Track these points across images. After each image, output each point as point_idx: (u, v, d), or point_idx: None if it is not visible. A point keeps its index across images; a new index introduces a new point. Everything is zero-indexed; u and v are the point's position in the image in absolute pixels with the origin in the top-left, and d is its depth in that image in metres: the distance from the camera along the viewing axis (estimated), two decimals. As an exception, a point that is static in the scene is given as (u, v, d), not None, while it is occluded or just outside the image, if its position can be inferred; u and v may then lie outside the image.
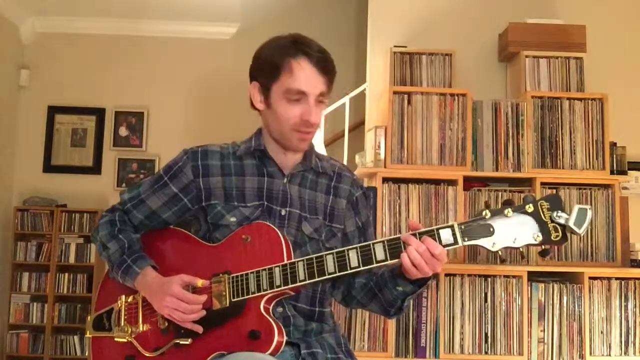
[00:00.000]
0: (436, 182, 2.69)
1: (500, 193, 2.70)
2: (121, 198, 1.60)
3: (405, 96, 2.74)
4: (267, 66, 1.45)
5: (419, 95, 2.74)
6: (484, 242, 1.28)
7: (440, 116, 2.72)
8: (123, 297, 1.51)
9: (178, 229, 1.56)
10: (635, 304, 2.57)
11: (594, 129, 2.75)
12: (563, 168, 2.73)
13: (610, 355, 2.55)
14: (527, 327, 2.53)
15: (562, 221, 1.23)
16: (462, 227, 1.29)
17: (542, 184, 2.70)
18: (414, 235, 1.32)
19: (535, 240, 1.25)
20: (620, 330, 2.56)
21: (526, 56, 2.88)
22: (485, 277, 2.56)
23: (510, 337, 2.54)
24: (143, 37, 5.31)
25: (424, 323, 2.53)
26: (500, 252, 1.28)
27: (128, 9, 5.05)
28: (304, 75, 1.42)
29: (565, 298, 2.56)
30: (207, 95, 5.28)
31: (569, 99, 2.77)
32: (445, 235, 1.30)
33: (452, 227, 1.30)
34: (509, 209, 1.27)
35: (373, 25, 3.21)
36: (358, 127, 4.46)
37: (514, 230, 1.26)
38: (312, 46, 1.45)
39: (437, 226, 1.32)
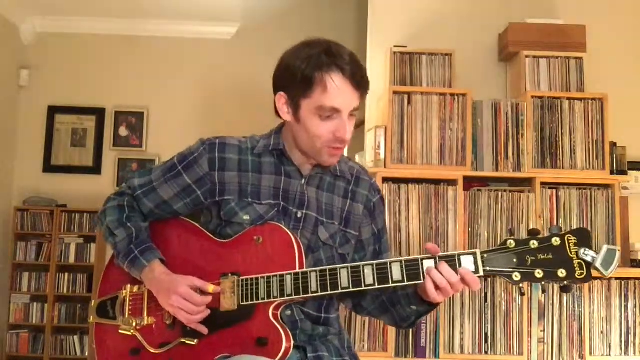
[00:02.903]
0: (436, 182, 2.69)
1: (500, 193, 2.70)
2: (130, 183, 1.54)
3: (405, 96, 2.74)
4: (298, 79, 1.36)
5: (419, 95, 2.74)
6: (507, 273, 1.24)
7: (440, 116, 2.72)
8: (129, 286, 1.49)
9: (188, 220, 1.52)
10: (635, 304, 2.57)
11: (594, 129, 2.75)
12: (563, 168, 2.73)
13: (610, 355, 2.55)
14: (527, 327, 2.53)
15: (589, 259, 1.20)
16: (485, 255, 1.26)
17: (542, 184, 2.70)
18: (434, 258, 1.28)
19: (560, 276, 1.21)
20: (620, 330, 2.57)
21: (526, 56, 2.88)
22: (486, 277, 2.56)
23: (510, 337, 2.54)
24: (143, 37, 5.31)
25: (424, 323, 2.53)
26: (521, 286, 1.25)
27: (128, 9, 5.05)
28: (338, 92, 1.35)
29: (565, 298, 2.56)
30: (207, 95, 5.28)
31: (569, 99, 2.77)
32: (467, 262, 1.27)
33: (474, 254, 1.27)
34: (535, 241, 1.24)
35: (373, 25, 3.21)
36: (358, 127, 4.45)
37: (538, 264, 1.23)
38: (345, 57, 1.36)
39: (459, 252, 1.28)
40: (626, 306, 2.57)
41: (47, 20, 5.28)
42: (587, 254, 1.20)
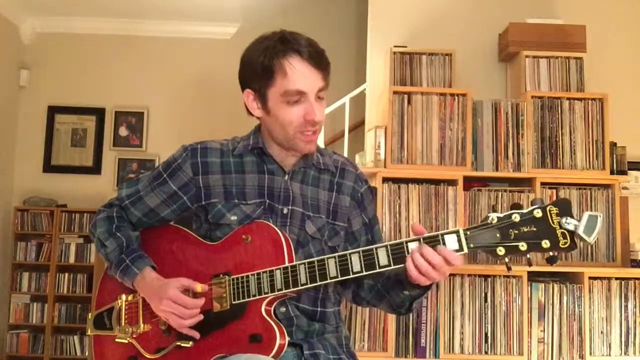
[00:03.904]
0: (436, 182, 2.69)
1: (500, 193, 2.70)
2: (119, 194, 1.56)
3: (405, 96, 2.74)
4: (259, 71, 1.40)
5: (419, 95, 2.74)
6: (491, 248, 1.25)
7: (440, 116, 2.72)
8: (124, 296, 1.50)
9: (178, 226, 1.53)
10: (635, 304, 2.57)
11: (594, 129, 2.75)
12: (563, 168, 2.73)
13: (610, 355, 2.55)
14: (527, 327, 2.53)
15: (571, 228, 1.20)
16: (468, 232, 1.26)
17: (542, 184, 2.70)
18: (418, 240, 1.28)
19: (544, 247, 1.22)
20: (620, 330, 2.56)
21: (526, 56, 2.88)
22: (485, 277, 2.56)
23: (510, 337, 2.54)
24: (143, 37, 5.32)
25: (424, 323, 2.53)
26: (507, 260, 1.25)
27: (128, 9, 5.05)
28: (299, 74, 1.37)
29: (565, 298, 2.56)
30: (207, 95, 5.28)
31: (569, 99, 2.77)
32: (450, 241, 1.27)
33: (457, 232, 1.27)
34: (516, 214, 1.24)
35: (373, 25, 3.21)
36: (358, 127, 4.47)
37: (522, 237, 1.23)
38: (301, 41, 1.39)
39: (442, 231, 1.28)
40: (626, 306, 2.57)
41: (47, 20, 5.28)
42: (569, 223, 1.21)
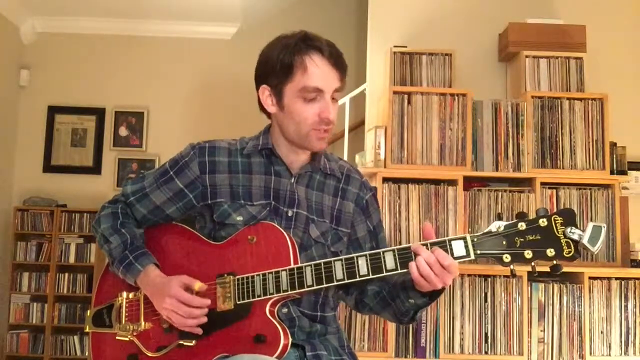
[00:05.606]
0: (436, 182, 2.69)
1: (500, 193, 2.70)
2: (123, 190, 1.56)
3: (405, 96, 2.74)
4: (278, 67, 1.41)
5: (419, 95, 2.74)
6: (497, 255, 1.27)
7: (440, 116, 2.72)
8: (124, 293, 1.49)
9: (182, 225, 1.53)
10: (635, 304, 2.57)
11: (594, 129, 2.75)
12: (563, 168, 2.73)
13: (610, 355, 2.55)
14: (527, 327, 2.53)
15: (575, 237, 1.23)
16: (475, 239, 1.28)
17: (542, 184, 2.71)
18: (425, 245, 1.29)
19: (548, 255, 1.24)
20: (620, 330, 2.57)
21: (526, 56, 2.88)
22: (485, 277, 2.56)
23: (510, 337, 2.54)
24: (143, 37, 5.32)
25: (424, 323, 2.53)
26: (512, 267, 1.27)
27: (128, 9, 5.05)
28: (318, 71, 1.39)
29: (565, 298, 2.56)
30: (207, 95, 5.29)
31: (569, 99, 2.77)
32: (458, 246, 1.28)
33: (464, 239, 1.28)
34: (522, 223, 1.26)
35: (373, 25, 3.21)
36: (358, 127, 4.47)
37: (527, 245, 1.25)
38: (322, 40, 1.42)
39: (450, 237, 1.29)
40: (626, 306, 2.58)
41: (47, 20, 5.28)
42: (574, 233, 1.23)
